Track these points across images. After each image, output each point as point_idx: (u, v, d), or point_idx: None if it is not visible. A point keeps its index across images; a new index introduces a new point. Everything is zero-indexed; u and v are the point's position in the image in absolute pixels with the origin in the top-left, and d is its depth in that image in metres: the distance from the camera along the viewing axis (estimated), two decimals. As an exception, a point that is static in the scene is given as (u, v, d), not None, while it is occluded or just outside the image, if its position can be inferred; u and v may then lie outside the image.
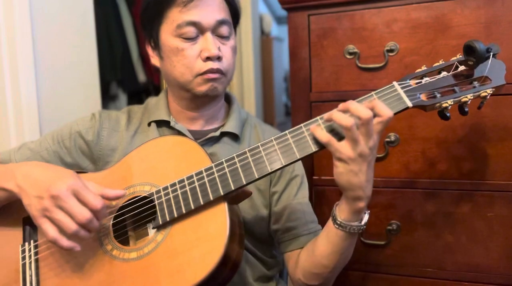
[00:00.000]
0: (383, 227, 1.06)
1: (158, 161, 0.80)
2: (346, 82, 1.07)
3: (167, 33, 0.88)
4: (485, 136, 0.97)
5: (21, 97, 1.18)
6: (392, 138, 1.03)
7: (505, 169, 0.96)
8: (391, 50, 1.02)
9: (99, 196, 0.71)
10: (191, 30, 0.85)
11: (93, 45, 1.49)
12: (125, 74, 2.32)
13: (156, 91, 2.46)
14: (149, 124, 0.94)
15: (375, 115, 0.70)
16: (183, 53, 0.86)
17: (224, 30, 0.88)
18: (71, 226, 0.68)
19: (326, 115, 0.72)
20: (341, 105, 0.71)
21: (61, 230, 0.69)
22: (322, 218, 1.11)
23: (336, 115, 0.70)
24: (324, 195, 1.11)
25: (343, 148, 0.70)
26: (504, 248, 0.98)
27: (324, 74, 1.09)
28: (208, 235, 0.70)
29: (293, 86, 1.12)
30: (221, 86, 0.90)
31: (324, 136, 0.71)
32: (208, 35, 0.86)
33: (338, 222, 0.77)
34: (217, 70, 0.86)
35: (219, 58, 0.86)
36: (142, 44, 2.32)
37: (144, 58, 2.34)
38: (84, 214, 0.68)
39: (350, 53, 1.05)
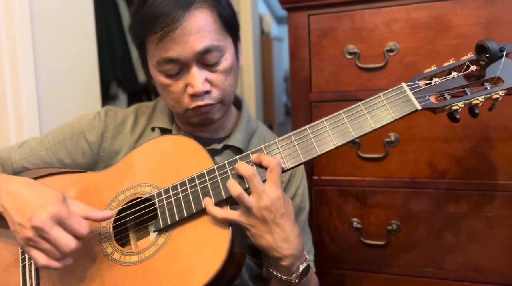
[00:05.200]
0: (383, 227, 1.06)
1: (159, 161, 0.79)
2: (346, 82, 1.07)
3: (151, 66, 0.82)
4: (485, 136, 0.97)
5: (21, 97, 1.18)
6: (392, 138, 1.03)
7: (505, 169, 0.96)
8: (391, 50, 1.02)
9: (84, 221, 0.68)
10: (171, 68, 0.77)
11: (93, 45, 1.48)
12: (125, 74, 2.32)
13: (156, 91, 2.45)
14: (153, 129, 0.91)
15: (265, 168, 0.69)
16: (169, 89, 0.80)
17: (210, 57, 0.77)
18: (57, 255, 0.66)
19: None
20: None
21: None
22: (322, 218, 1.11)
23: (229, 182, 0.70)
24: (324, 195, 1.11)
25: (240, 216, 0.68)
26: (504, 248, 0.98)
27: (324, 74, 1.08)
28: (210, 239, 0.69)
29: (293, 86, 1.12)
30: (219, 113, 0.83)
31: (220, 213, 0.69)
32: (191, 69, 0.77)
33: (270, 270, 0.74)
34: (206, 105, 0.79)
35: (207, 92, 0.78)
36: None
37: (144, 58, 2.33)
38: (69, 245, 0.65)
39: (350, 53, 1.05)
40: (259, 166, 0.70)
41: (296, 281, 0.72)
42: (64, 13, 1.35)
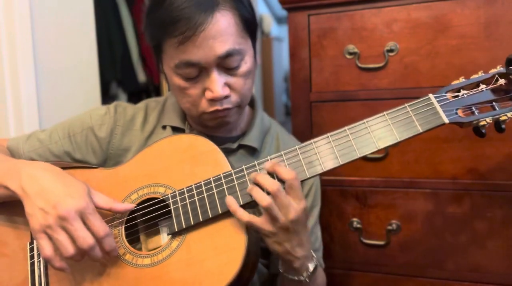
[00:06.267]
0: (383, 227, 1.06)
1: (173, 161, 0.76)
2: (346, 82, 1.07)
3: (168, 68, 0.78)
4: (485, 136, 0.97)
5: (21, 97, 1.18)
6: (392, 138, 1.03)
7: (505, 169, 0.96)
8: (391, 50, 1.02)
9: (105, 224, 0.67)
10: (191, 71, 0.75)
11: (93, 45, 1.49)
12: (125, 74, 2.32)
13: (156, 91, 2.46)
14: (164, 127, 0.88)
15: (282, 181, 0.67)
16: (186, 92, 0.78)
17: (231, 61, 0.75)
18: (70, 250, 0.64)
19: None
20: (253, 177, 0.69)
21: (57, 250, 0.66)
22: (322, 218, 1.11)
23: (255, 191, 0.68)
24: (324, 195, 1.11)
25: (264, 224, 0.67)
26: (504, 248, 0.98)
27: (324, 74, 1.08)
28: (226, 246, 0.68)
29: (293, 86, 1.12)
30: (235, 116, 0.82)
31: (246, 216, 0.67)
32: (212, 73, 0.75)
33: (281, 271, 0.75)
34: (224, 110, 0.78)
35: (226, 97, 0.76)
36: (142, 44, 2.31)
37: (144, 58, 2.34)
38: (87, 240, 0.64)
39: (350, 53, 1.05)
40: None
41: (307, 280, 0.73)
42: (64, 13, 1.35)
